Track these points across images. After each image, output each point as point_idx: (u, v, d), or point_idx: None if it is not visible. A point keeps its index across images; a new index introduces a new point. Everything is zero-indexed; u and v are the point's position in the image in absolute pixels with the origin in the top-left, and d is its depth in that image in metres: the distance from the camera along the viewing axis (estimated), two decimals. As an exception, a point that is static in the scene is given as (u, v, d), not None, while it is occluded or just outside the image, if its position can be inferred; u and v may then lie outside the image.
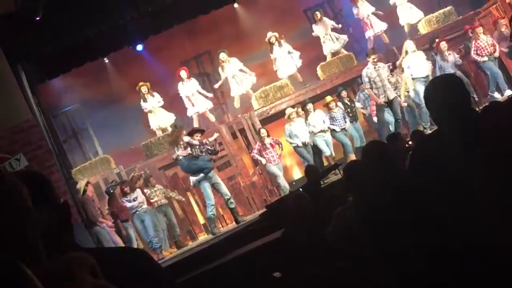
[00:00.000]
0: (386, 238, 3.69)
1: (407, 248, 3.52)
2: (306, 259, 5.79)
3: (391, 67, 13.96)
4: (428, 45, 14.48)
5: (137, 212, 12.51)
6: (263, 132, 13.24)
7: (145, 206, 12.63)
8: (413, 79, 13.58)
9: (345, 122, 13.73)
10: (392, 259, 3.70)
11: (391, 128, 13.33)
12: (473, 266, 3.01)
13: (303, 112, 13.80)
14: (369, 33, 15.74)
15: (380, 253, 3.83)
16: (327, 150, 13.48)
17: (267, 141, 13.13)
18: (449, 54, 13.82)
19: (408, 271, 3.57)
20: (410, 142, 9.33)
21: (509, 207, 2.34)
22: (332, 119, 13.66)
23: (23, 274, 1.25)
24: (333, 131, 13.66)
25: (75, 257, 1.37)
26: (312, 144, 13.46)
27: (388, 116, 13.54)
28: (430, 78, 12.91)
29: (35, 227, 1.55)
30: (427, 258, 3.37)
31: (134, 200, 12.54)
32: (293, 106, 14.04)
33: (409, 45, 13.88)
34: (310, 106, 13.74)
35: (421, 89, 13.19)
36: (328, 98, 14.00)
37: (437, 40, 14.03)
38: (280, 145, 13.31)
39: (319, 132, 13.50)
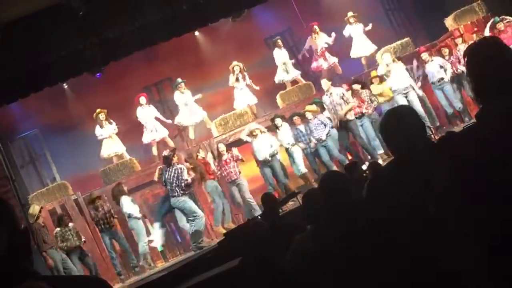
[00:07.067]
0: (344, 267, 3.72)
1: (366, 277, 3.56)
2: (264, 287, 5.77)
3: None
4: None
5: None
6: (221, 147, 13.39)
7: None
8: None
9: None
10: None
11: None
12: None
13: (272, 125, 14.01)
14: (323, 65, 15.95)
15: (339, 282, 3.85)
16: (301, 165, 13.70)
17: (225, 157, 13.22)
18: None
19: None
20: (367, 172, 9.41)
21: (467, 235, 2.39)
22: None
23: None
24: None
25: (30, 286, 1.36)
26: (279, 161, 13.62)
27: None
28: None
29: None
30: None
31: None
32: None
33: (386, 57, 14.25)
34: (278, 120, 13.86)
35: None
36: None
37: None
38: (239, 161, 13.38)
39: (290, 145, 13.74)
